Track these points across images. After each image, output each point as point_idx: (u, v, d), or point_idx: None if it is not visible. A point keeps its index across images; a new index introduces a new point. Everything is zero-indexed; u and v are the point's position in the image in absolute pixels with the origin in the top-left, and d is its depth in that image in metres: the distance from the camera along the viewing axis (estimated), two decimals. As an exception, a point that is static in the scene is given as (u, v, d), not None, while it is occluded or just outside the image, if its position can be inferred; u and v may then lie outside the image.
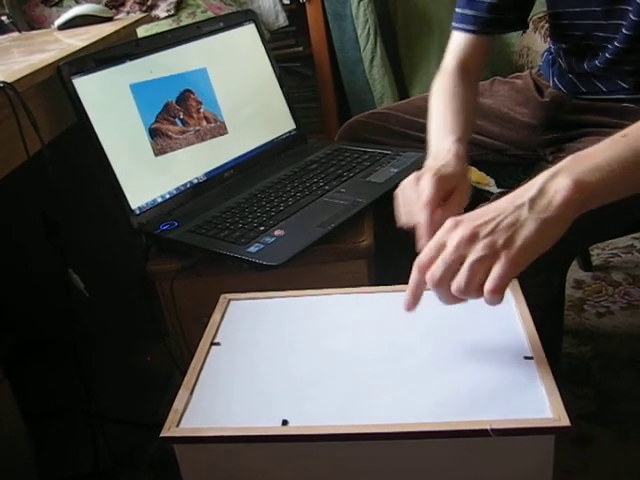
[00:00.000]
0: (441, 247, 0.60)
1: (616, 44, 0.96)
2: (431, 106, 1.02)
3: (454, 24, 1.07)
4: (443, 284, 0.59)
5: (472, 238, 0.59)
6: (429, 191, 0.76)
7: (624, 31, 0.93)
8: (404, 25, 2.24)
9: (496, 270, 0.57)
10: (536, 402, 0.55)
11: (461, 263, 0.59)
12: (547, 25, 1.57)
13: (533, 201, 0.60)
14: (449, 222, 0.61)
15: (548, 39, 1.17)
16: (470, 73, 1.06)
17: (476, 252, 0.58)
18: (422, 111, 1.24)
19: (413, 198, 0.79)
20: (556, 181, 0.60)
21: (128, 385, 1.35)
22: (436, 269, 0.59)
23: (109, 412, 1.14)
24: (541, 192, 0.60)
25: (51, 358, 1.43)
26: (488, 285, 0.57)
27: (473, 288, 0.58)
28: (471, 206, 0.95)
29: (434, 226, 0.72)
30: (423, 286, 0.61)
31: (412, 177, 0.80)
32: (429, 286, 0.60)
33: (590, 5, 0.97)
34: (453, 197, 0.80)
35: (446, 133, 0.94)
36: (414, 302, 0.62)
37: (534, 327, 0.65)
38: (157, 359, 1.26)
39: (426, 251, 0.61)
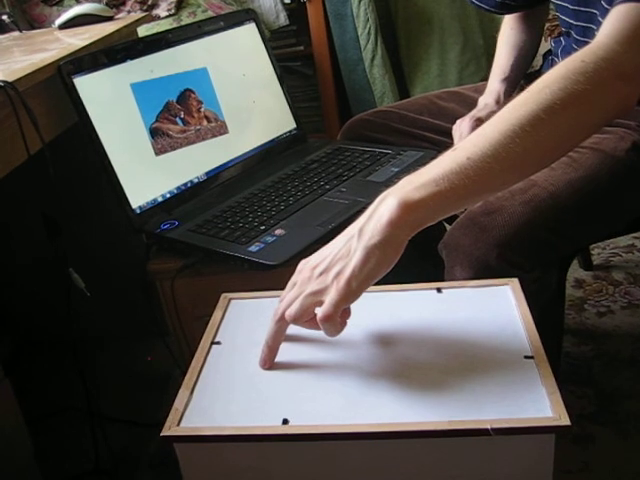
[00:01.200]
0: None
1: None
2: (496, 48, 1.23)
3: None
4: (283, 319, 0.64)
5: (309, 278, 0.63)
6: (467, 133, 1.04)
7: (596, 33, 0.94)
8: (405, 24, 2.24)
9: (326, 300, 0.61)
10: (536, 401, 0.55)
11: None
12: (548, 24, 1.58)
13: (362, 229, 0.61)
14: (299, 267, 0.66)
15: (549, 39, 1.18)
16: (529, 16, 1.20)
17: (309, 288, 0.62)
18: (425, 109, 1.24)
19: (456, 136, 1.09)
20: (383, 204, 0.61)
21: (128, 384, 1.35)
22: (278, 308, 0.64)
23: (110, 411, 1.14)
24: (369, 218, 0.62)
25: (52, 357, 1.43)
26: (319, 314, 0.61)
27: (304, 318, 0.62)
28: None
29: None
30: (279, 331, 0.65)
31: (461, 120, 1.10)
32: (275, 321, 0.64)
33: (564, 0, 0.99)
34: None
35: (497, 73, 1.18)
36: (270, 355, 0.65)
37: (534, 326, 0.65)
38: (157, 358, 1.26)
39: (281, 299, 0.65)
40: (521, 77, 1.21)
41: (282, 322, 0.64)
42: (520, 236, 0.86)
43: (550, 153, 0.67)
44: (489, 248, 0.85)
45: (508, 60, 1.19)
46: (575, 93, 0.65)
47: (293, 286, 0.65)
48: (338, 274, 0.61)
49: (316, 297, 0.62)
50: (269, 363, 0.64)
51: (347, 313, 0.64)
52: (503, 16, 1.25)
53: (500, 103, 1.14)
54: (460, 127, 1.10)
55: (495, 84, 1.18)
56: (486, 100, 1.16)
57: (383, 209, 0.61)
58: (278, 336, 0.64)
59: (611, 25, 0.70)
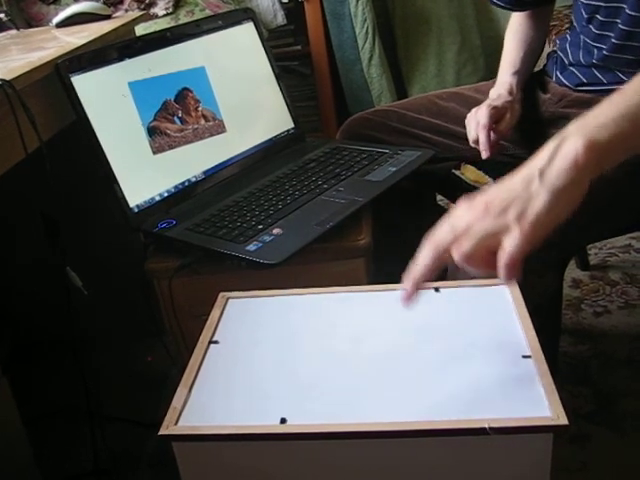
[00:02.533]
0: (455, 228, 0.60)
1: (613, 41, 0.98)
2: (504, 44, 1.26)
3: None
4: (445, 252, 0.58)
5: (484, 215, 0.58)
6: (484, 120, 1.07)
7: (627, 11, 0.94)
8: (402, 24, 2.24)
9: (508, 243, 0.56)
10: (534, 401, 0.55)
11: None
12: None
13: (543, 172, 0.57)
14: (463, 204, 0.60)
15: (553, 38, 1.19)
16: (537, 15, 1.22)
17: (486, 225, 0.57)
18: (424, 109, 1.25)
19: (473, 123, 1.09)
20: (565, 146, 0.58)
21: (127, 383, 1.35)
22: (442, 237, 0.58)
23: (108, 410, 1.14)
24: (551, 160, 0.58)
25: (50, 357, 1.43)
26: (502, 259, 0.56)
27: (476, 259, 0.57)
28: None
29: (490, 143, 1.06)
30: (431, 263, 0.59)
31: (476, 108, 1.11)
32: (430, 252, 0.58)
33: None
34: (502, 121, 1.10)
35: (507, 67, 1.20)
36: (422, 279, 0.59)
37: (532, 326, 0.65)
38: (156, 357, 1.26)
39: (440, 230, 0.60)
40: (530, 72, 1.22)
41: (442, 257, 0.58)
42: None
43: None
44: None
45: (517, 54, 1.21)
46: None
47: (452, 223, 0.58)
48: (520, 215, 0.56)
49: (494, 238, 0.56)
50: (412, 297, 0.60)
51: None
52: (502, 17, 1.26)
53: (513, 94, 1.15)
54: (476, 115, 1.10)
55: (506, 77, 1.19)
56: (498, 91, 1.17)
57: (567, 149, 0.57)
58: (431, 273, 0.59)
59: None
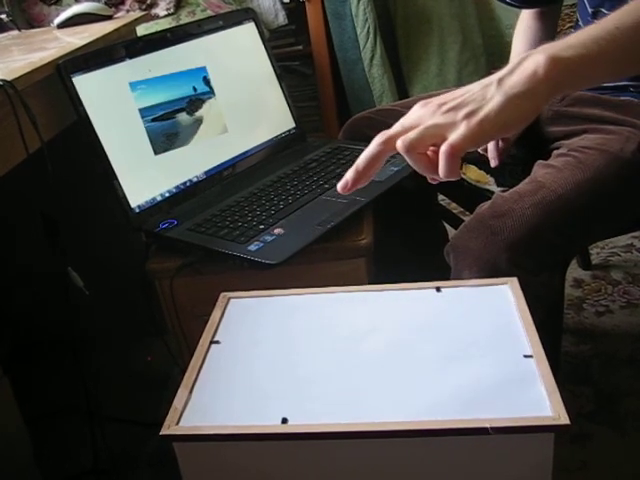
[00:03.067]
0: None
1: None
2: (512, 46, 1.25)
3: None
4: (390, 143, 0.59)
5: (434, 111, 0.59)
6: None
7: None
8: (404, 24, 2.24)
9: (452, 135, 0.57)
10: (536, 400, 0.55)
11: None
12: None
13: (502, 79, 0.58)
14: (420, 103, 0.61)
15: (561, 34, 1.19)
16: (544, 14, 1.21)
17: (433, 119, 0.58)
18: None
19: None
20: (528, 59, 0.59)
21: (128, 383, 1.35)
22: (387, 131, 0.59)
23: (109, 411, 1.14)
24: (511, 70, 0.59)
25: (51, 357, 1.43)
26: (445, 144, 0.56)
27: (419, 150, 0.58)
28: (471, 205, 0.96)
29: (498, 151, 1.06)
30: (376, 151, 0.60)
31: None
32: (376, 141, 0.59)
33: None
34: None
35: None
36: (356, 180, 0.60)
37: (534, 325, 0.65)
38: (157, 358, 1.26)
39: (395, 125, 0.61)
40: None
41: (387, 146, 0.59)
42: (530, 239, 0.86)
43: None
44: (499, 251, 0.85)
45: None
46: None
47: (405, 119, 0.60)
48: (470, 114, 0.57)
49: (440, 130, 0.57)
50: (352, 188, 0.60)
51: None
52: (503, 16, 1.26)
53: None
54: None
55: None
56: None
57: (528, 62, 0.58)
58: (375, 161, 0.59)
59: None
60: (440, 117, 0.58)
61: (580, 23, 1.11)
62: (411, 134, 0.58)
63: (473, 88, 0.59)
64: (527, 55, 0.59)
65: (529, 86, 0.57)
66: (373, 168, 0.60)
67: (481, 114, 0.57)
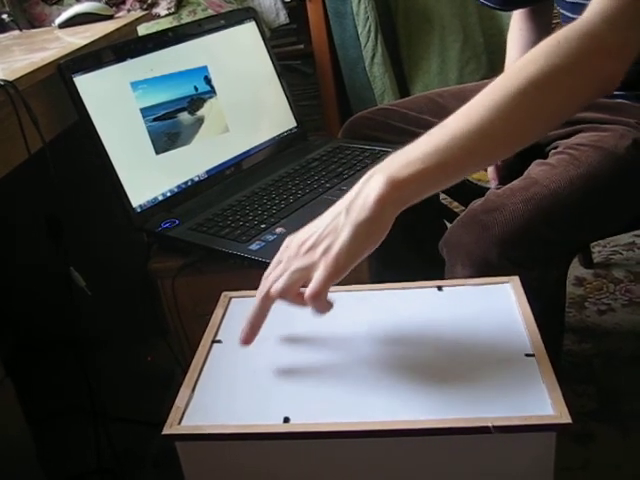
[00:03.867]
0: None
1: None
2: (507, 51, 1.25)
3: None
4: (268, 296, 0.64)
5: (295, 254, 0.63)
6: None
7: None
8: (405, 22, 2.24)
9: (314, 276, 0.61)
10: (537, 399, 0.55)
11: None
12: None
13: (349, 206, 0.61)
14: (285, 243, 0.66)
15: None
16: (536, 14, 1.21)
17: (296, 264, 0.62)
18: (426, 108, 1.24)
19: None
20: (370, 181, 0.62)
21: (130, 383, 1.35)
22: (264, 285, 0.64)
23: (112, 410, 1.14)
24: (357, 196, 0.62)
25: (54, 357, 1.43)
26: (307, 291, 0.61)
27: (291, 294, 0.62)
28: (468, 201, 0.96)
29: (497, 171, 1.14)
30: (266, 308, 0.64)
31: None
32: (261, 297, 0.64)
33: None
34: None
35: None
36: (251, 333, 0.65)
37: (535, 324, 0.65)
38: (159, 357, 1.26)
39: (267, 269, 0.66)
40: None
41: (267, 299, 0.63)
42: (521, 234, 0.86)
43: (533, 129, 0.68)
44: (490, 246, 0.85)
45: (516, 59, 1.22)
46: (557, 69, 0.65)
47: (278, 263, 0.64)
48: (326, 250, 0.61)
49: (304, 273, 0.62)
50: (250, 340, 0.64)
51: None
52: (504, 14, 1.26)
53: None
54: None
55: None
56: None
57: (370, 187, 0.61)
58: (262, 314, 0.64)
59: (597, 3, 0.69)
60: (301, 260, 0.62)
61: (562, 19, 1.10)
62: (279, 283, 0.62)
63: (326, 220, 0.63)
64: (370, 175, 0.62)
65: (373, 211, 0.60)
66: (264, 318, 0.65)
67: (335, 249, 0.60)
